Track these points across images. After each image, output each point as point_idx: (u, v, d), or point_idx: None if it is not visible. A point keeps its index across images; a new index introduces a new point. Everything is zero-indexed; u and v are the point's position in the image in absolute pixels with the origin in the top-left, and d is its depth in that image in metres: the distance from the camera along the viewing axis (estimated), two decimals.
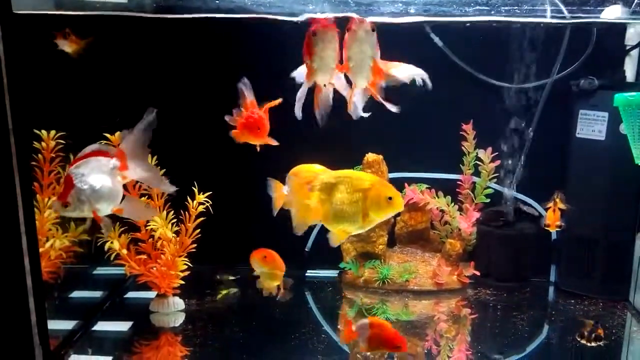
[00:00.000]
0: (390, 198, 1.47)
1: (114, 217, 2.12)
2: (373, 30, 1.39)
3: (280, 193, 1.68)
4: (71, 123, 2.04)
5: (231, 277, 2.51)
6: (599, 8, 1.70)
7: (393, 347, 1.69)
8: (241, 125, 1.64)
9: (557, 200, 2.15)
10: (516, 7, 1.51)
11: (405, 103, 2.27)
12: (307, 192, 1.54)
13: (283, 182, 1.61)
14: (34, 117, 1.87)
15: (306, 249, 2.58)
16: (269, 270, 1.91)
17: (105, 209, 1.55)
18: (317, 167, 1.64)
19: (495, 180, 2.49)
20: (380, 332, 1.68)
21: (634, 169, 1.95)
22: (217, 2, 1.52)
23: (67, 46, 1.92)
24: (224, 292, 2.34)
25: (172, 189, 1.64)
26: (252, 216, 2.50)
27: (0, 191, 1.60)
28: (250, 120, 1.63)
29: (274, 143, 1.66)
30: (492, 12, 1.50)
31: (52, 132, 1.97)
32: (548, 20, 1.61)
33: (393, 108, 1.48)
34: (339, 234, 1.54)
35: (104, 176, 1.53)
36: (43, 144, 1.97)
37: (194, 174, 2.12)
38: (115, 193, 1.56)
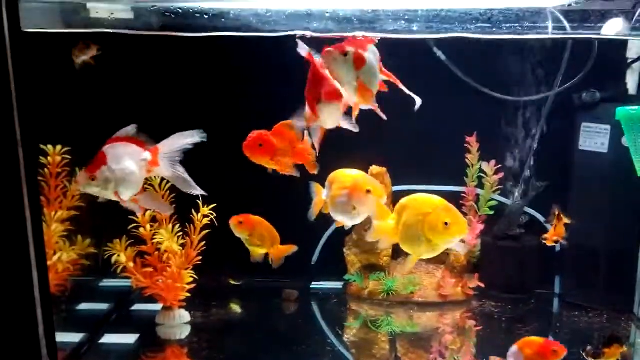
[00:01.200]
0: (446, 223, 1.48)
1: (120, 231, 2.17)
2: (345, 55, 1.43)
3: (321, 198, 1.70)
4: (76, 138, 2.07)
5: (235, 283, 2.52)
6: (599, 25, 1.71)
7: (552, 353, 1.67)
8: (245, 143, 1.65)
9: (557, 214, 2.16)
10: (517, 25, 1.53)
11: (409, 116, 2.30)
12: (387, 211, 1.58)
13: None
14: (40, 133, 1.89)
15: (312, 262, 2.60)
16: (250, 236, 1.90)
17: (125, 194, 1.61)
18: (355, 173, 1.66)
19: (499, 192, 2.50)
20: (532, 349, 1.66)
21: (637, 180, 1.96)
22: (223, 20, 1.55)
23: (87, 55, 1.93)
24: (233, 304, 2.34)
25: (199, 191, 1.67)
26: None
27: (9, 205, 1.63)
28: (253, 136, 1.63)
29: (291, 172, 1.67)
30: (494, 30, 1.52)
31: (58, 148, 2.00)
32: (549, 36, 1.63)
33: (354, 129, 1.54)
34: (411, 260, 1.61)
35: (134, 164, 1.59)
36: (49, 158, 2.00)
37: (198, 183, 2.14)
38: (139, 182, 1.62)
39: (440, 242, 1.53)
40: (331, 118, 1.51)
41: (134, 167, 1.60)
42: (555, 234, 2.14)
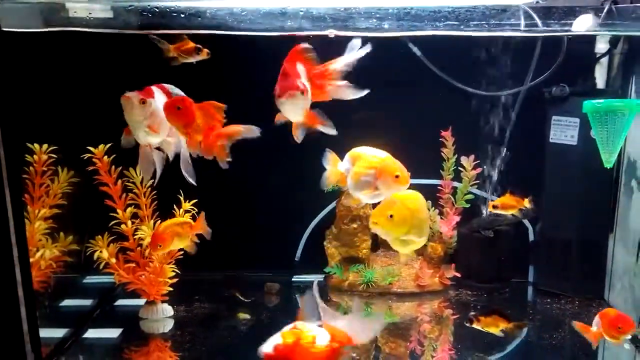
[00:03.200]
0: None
1: (102, 228, 2.20)
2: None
3: (336, 169, 1.69)
4: (62, 137, 2.09)
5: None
6: (569, 20, 1.77)
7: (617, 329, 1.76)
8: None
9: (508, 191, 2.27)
10: (484, 22, 1.58)
11: (386, 111, 2.34)
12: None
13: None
14: (26, 131, 1.91)
15: (296, 259, 2.65)
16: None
17: (152, 135, 1.65)
18: (384, 154, 1.65)
19: (476, 186, 2.56)
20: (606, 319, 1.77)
21: (606, 171, 2.03)
22: (200, 19, 1.59)
23: (195, 59, 1.92)
24: (242, 316, 2.36)
25: (192, 180, 1.72)
26: (240, 223, 2.58)
27: None
28: (176, 98, 1.63)
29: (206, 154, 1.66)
30: (462, 27, 1.58)
31: (45, 146, 2.02)
32: (522, 34, 1.69)
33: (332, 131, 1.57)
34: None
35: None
36: (35, 157, 2.01)
37: (181, 182, 2.17)
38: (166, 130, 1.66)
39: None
40: (291, 113, 1.53)
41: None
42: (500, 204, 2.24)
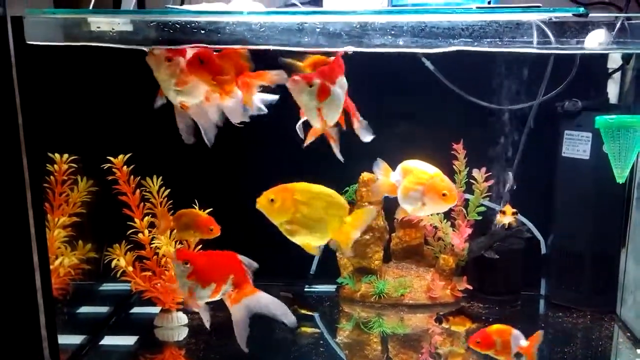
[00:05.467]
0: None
1: (120, 236, 2.24)
2: (310, 85, 1.53)
3: (388, 180, 1.73)
4: (83, 147, 2.14)
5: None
6: (580, 39, 1.79)
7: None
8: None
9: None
10: (498, 40, 1.61)
11: (399, 124, 2.37)
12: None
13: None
14: (48, 142, 1.96)
15: (311, 272, 2.67)
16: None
17: (183, 94, 1.63)
18: (434, 171, 1.70)
19: (488, 198, 2.57)
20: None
21: (618, 186, 2.05)
22: (219, 35, 1.63)
23: None
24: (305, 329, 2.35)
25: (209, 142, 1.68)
26: (254, 232, 2.60)
27: (13, 213, 1.69)
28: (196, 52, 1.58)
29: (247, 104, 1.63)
30: (476, 44, 1.61)
31: (65, 156, 2.06)
32: (531, 50, 1.71)
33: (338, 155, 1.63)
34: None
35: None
36: (56, 166, 2.06)
37: (196, 191, 2.21)
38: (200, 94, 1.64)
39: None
40: (298, 102, 1.56)
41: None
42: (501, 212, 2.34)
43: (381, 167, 1.74)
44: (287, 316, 1.71)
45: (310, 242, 1.67)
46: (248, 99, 1.61)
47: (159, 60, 1.59)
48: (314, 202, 1.63)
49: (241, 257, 1.69)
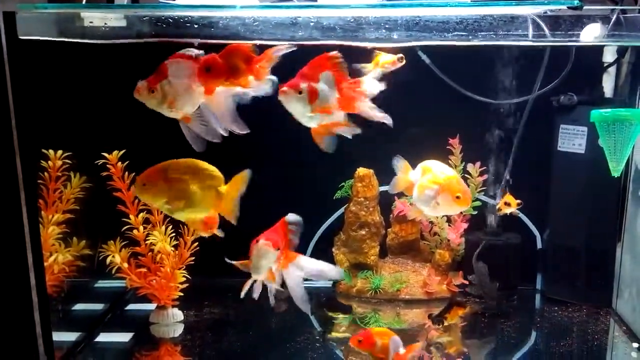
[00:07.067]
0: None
1: (114, 233, 2.23)
2: (300, 93, 1.51)
3: (406, 177, 1.76)
4: (76, 144, 2.13)
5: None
6: (576, 32, 1.79)
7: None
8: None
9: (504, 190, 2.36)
10: (492, 33, 1.61)
11: (396, 119, 2.37)
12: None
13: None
14: (41, 138, 1.95)
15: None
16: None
17: (179, 110, 1.60)
18: (451, 173, 1.72)
19: (483, 193, 2.57)
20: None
21: (613, 180, 2.05)
22: (212, 29, 1.62)
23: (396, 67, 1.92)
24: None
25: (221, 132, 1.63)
26: (249, 228, 2.60)
27: (6, 209, 1.68)
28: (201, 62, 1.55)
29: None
30: (470, 37, 1.60)
31: (59, 152, 2.05)
32: (526, 43, 1.71)
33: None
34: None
35: (193, 81, 1.58)
36: (50, 162, 2.04)
37: None
38: (195, 101, 1.61)
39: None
40: (291, 111, 1.57)
41: (192, 85, 1.58)
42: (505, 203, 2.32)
43: (400, 164, 1.77)
44: (333, 272, 1.74)
45: (193, 216, 1.70)
46: (264, 80, 1.60)
47: (144, 94, 1.59)
48: (187, 177, 1.65)
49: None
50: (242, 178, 1.70)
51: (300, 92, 1.51)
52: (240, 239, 2.13)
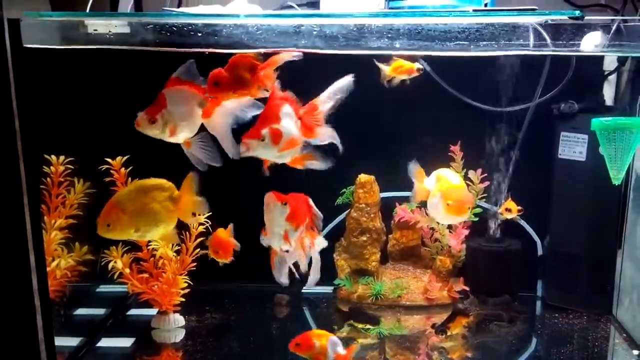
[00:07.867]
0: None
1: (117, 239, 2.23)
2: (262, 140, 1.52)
3: (423, 185, 1.77)
4: (80, 149, 2.14)
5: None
6: (576, 41, 1.79)
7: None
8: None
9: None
10: (494, 42, 1.62)
11: (397, 126, 2.38)
12: None
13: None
14: (44, 143, 1.96)
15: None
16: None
17: (180, 136, 1.64)
18: (453, 179, 1.74)
19: (484, 199, 2.58)
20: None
21: (614, 188, 2.05)
22: (216, 38, 1.63)
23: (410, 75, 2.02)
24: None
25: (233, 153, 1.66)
26: (251, 234, 2.60)
27: (10, 215, 1.69)
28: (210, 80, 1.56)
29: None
30: (471, 47, 1.61)
31: (62, 158, 2.06)
32: (528, 52, 1.72)
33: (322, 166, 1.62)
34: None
35: (192, 108, 1.61)
36: (52, 168, 2.06)
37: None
38: (194, 126, 1.64)
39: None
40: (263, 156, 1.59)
41: (191, 110, 1.61)
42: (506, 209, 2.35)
43: (415, 172, 1.77)
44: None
45: (162, 232, 1.74)
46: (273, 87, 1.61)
47: (145, 125, 1.61)
48: (141, 199, 1.68)
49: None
50: (189, 179, 1.74)
51: (262, 139, 1.52)
52: (243, 247, 2.15)
